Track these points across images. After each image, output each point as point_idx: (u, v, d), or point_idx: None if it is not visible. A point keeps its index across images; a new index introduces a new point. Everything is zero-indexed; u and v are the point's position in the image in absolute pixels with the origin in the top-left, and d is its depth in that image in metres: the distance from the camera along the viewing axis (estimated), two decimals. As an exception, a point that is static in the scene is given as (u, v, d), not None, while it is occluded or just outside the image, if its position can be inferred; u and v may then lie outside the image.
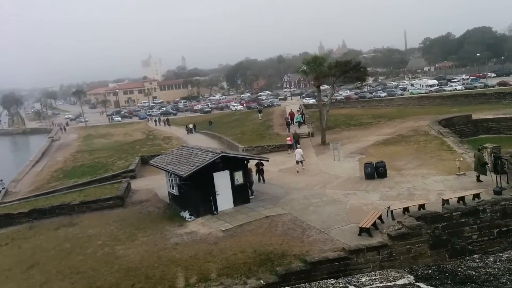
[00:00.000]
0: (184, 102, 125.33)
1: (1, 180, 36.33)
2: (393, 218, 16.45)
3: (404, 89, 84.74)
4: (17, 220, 23.50)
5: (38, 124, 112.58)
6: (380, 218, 16.61)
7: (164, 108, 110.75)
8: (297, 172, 26.91)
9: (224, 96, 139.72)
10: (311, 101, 75.39)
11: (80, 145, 60.49)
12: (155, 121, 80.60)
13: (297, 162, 27.26)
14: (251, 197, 21.78)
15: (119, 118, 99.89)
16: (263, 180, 25.04)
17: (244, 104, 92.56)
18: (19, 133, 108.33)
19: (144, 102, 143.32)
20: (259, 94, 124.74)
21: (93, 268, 15.50)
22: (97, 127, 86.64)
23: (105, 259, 16.22)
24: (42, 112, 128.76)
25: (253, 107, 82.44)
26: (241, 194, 21.16)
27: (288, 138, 35.24)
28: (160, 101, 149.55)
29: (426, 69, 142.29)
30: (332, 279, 2.70)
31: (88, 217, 22.73)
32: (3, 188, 33.82)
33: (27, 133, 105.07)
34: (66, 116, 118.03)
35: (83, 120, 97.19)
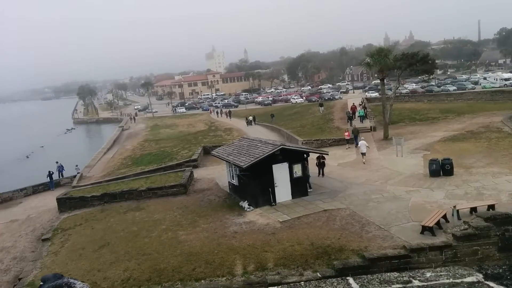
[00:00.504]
0: (245, 94, 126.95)
1: (77, 166, 39.12)
2: (459, 218, 15.71)
3: (476, 83, 79.57)
4: (90, 202, 25.27)
5: (110, 114, 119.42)
6: (444, 217, 15.92)
7: (225, 100, 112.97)
8: (363, 163, 27.04)
9: (284, 89, 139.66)
10: (374, 94, 73.20)
11: (147, 135, 63.50)
12: (217, 112, 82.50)
13: (362, 154, 27.31)
14: (309, 190, 21.77)
15: (184, 110, 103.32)
16: (322, 174, 24.90)
17: (305, 97, 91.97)
18: (92, 122, 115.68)
19: (205, 94, 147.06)
20: (319, 87, 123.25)
21: (157, 251, 16.32)
22: (163, 117, 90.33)
23: (169, 243, 17.02)
24: (113, 103, 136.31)
25: (313, 100, 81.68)
26: (300, 187, 21.22)
27: (346, 133, 34.66)
28: (222, 93, 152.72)
29: (501, 61, 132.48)
30: (395, 272, 2.69)
31: (153, 202, 23.91)
32: (78, 173, 36.41)
33: (100, 122, 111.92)
34: (135, 107, 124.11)
35: (152, 110, 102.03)
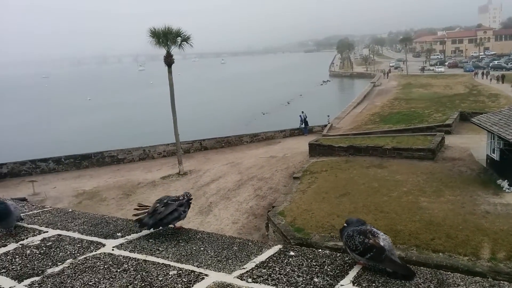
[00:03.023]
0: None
1: (328, 116, 41.83)
2: None
3: None
4: (337, 152, 26.81)
5: (363, 69, 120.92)
6: None
7: (495, 62, 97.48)
8: None
9: None
10: None
11: (398, 93, 61.67)
12: (483, 75, 72.45)
13: None
14: None
15: (442, 69, 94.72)
16: None
17: None
18: (346, 76, 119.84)
19: (473, 53, 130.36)
20: None
21: (395, 211, 16.17)
22: (417, 76, 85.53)
23: (408, 206, 16.58)
24: (368, 58, 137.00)
25: None
26: None
27: None
28: (492, 52, 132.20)
29: None
30: None
31: (397, 162, 23.49)
32: (328, 123, 38.92)
33: (353, 77, 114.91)
34: (390, 64, 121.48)
35: (437, 67, 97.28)
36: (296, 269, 1.75)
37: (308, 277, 1.68)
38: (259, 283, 1.65)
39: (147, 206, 2.33)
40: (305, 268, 1.76)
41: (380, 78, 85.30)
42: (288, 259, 1.86)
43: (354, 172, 22.60)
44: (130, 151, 34.07)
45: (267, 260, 1.86)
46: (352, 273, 1.69)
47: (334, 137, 31.73)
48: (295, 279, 1.67)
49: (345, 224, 1.86)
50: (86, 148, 36.38)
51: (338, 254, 1.88)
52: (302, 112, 41.71)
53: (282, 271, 1.74)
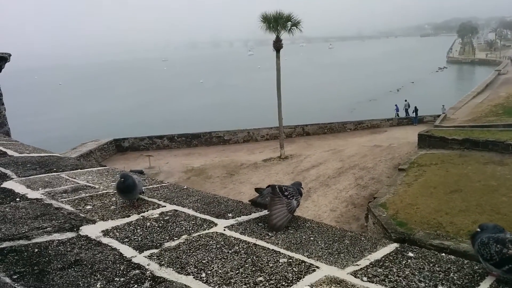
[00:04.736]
0: None
1: (443, 106, 38.76)
2: None
3: None
4: (450, 145, 24.73)
5: (487, 55, 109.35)
6: None
7: None
8: None
9: None
10: None
11: (528, 83, 54.71)
12: None
13: None
14: None
15: None
16: None
17: None
18: (467, 63, 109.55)
19: None
20: None
21: (515, 213, 14.52)
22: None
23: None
24: (494, 43, 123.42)
25: None
26: None
27: None
28: None
29: None
30: None
31: (517, 160, 20.98)
32: (443, 113, 36.07)
33: (474, 63, 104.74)
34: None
35: None
36: (416, 273, 1.59)
37: (431, 283, 1.51)
38: (375, 283, 1.53)
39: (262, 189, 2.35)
40: (427, 273, 1.59)
41: (507, 66, 76.38)
42: (407, 261, 1.70)
43: (468, 167, 20.71)
44: (235, 133, 35.44)
45: (383, 258, 1.73)
46: (484, 285, 1.49)
47: (447, 129, 29.38)
48: (416, 284, 1.52)
49: (478, 229, 1.64)
50: (196, 128, 38.77)
51: (466, 261, 1.67)
52: (406, 100, 39.48)
53: (401, 273, 1.60)
